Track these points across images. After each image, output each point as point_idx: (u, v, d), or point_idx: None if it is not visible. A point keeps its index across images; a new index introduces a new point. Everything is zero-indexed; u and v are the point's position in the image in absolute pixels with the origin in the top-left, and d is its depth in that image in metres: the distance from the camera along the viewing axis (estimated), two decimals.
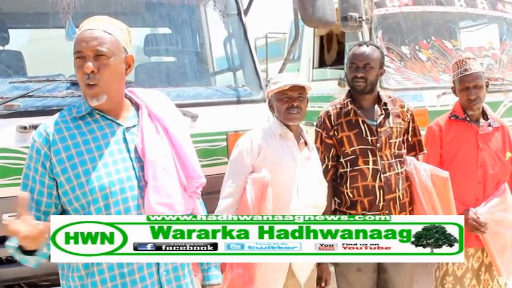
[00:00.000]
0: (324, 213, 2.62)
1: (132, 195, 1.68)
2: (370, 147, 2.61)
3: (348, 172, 2.64)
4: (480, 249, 2.90)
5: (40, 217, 1.64)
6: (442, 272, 2.94)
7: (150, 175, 1.69)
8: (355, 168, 2.61)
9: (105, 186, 1.64)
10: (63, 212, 1.72)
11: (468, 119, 2.87)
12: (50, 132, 1.66)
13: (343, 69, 4.85)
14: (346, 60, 2.75)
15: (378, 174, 2.59)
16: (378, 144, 2.61)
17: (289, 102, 2.35)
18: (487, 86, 2.87)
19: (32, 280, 2.59)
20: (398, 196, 2.64)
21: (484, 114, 2.91)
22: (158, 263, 1.71)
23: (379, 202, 2.60)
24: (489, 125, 2.87)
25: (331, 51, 6.29)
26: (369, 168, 2.60)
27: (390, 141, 2.63)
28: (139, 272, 1.67)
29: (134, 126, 1.77)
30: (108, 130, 1.71)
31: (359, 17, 3.68)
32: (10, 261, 2.51)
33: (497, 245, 2.82)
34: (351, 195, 2.64)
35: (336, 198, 2.74)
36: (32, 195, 1.65)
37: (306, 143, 2.50)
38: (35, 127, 2.39)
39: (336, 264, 2.76)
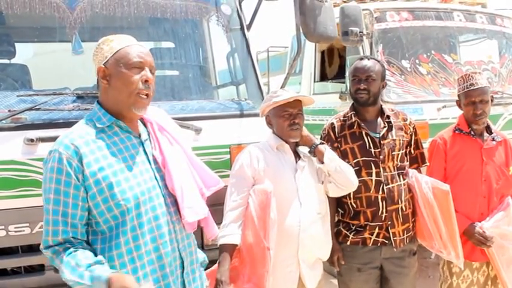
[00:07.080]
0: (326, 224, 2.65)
1: (159, 203, 1.76)
2: (373, 159, 2.65)
3: None
4: (485, 263, 2.89)
5: (68, 232, 1.64)
6: (447, 286, 2.93)
7: (177, 184, 1.77)
8: (358, 179, 2.62)
9: (137, 196, 1.69)
10: (88, 225, 1.71)
11: (472, 133, 2.87)
12: (79, 145, 1.65)
13: (344, 82, 4.89)
14: (348, 74, 2.78)
15: (381, 186, 2.63)
16: (381, 156, 2.64)
17: (290, 119, 2.41)
18: (492, 101, 2.87)
19: None
20: (401, 207, 2.66)
21: (488, 128, 2.92)
22: (183, 266, 1.80)
23: (382, 213, 2.63)
24: (493, 139, 2.88)
25: (332, 65, 6.33)
26: (372, 179, 2.64)
27: (393, 153, 2.67)
28: (171, 275, 1.76)
29: (146, 139, 1.84)
30: (129, 143, 1.77)
31: (360, 32, 3.74)
32: (16, 272, 2.53)
33: (502, 259, 2.82)
34: (355, 206, 2.67)
35: (339, 209, 2.77)
36: (65, 209, 1.63)
37: (299, 154, 2.53)
38: (42, 140, 2.42)
39: (338, 274, 2.79)
